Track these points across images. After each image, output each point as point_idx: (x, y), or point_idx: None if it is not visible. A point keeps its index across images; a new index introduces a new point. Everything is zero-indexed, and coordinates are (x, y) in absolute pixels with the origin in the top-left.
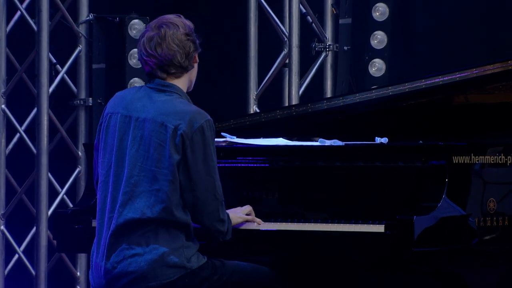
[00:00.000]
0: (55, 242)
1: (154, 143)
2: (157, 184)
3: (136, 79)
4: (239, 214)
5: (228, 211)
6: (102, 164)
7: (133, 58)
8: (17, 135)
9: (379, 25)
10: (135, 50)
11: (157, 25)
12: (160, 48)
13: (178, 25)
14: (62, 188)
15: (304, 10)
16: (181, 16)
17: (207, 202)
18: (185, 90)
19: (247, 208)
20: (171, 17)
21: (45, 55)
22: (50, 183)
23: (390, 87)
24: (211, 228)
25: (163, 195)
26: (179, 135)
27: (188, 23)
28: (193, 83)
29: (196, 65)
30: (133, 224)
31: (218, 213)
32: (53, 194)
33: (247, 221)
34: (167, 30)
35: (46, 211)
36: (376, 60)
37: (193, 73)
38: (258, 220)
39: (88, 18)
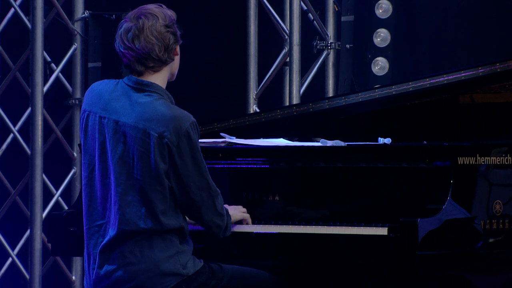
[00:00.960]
0: (49, 245)
1: (138, 151)
2: (145, 194)
3: None
4: (236, 211)
5: (229, 207)
6: (84, 166)
7: None
8: (11, 135)
9: (382, 23)
10: None
11: (135, 16)
12: (137, 41)
13: (158, 16)
14: (57, 189)
15: (305, 7)
16: (163, 6)
17: (202, 201)
18: (165, 85)
19: (241, 207)
20: (151, 7)
21: (40, 54)
22: (44, 185)
23: (393, 86)
24: (210, 223)
25: (153, 206)
26: (165, 144)
27: (170, 13)
28: (175, 74)
29: (177, 58)
30: (126, 234)
31: (215, 207)
32: (47, 196)
33: (244, 218)
34: (145, 21)
35: (41, 214)
36: (379, 58)
37: (174, 65)
38: (250, 220)
39: (83, 15)
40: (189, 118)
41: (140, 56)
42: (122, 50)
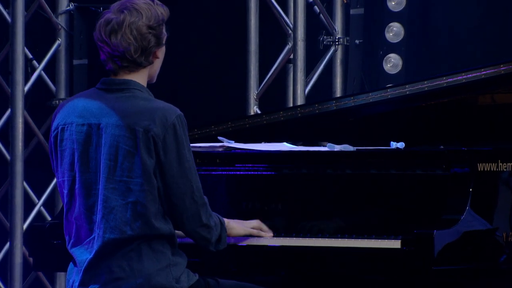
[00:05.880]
0: (31, 259)
1: (122, 150)
2: (132, 196)
3: None
4: (243, 225)
5: (233, 221)
6: (63, 184)
7: None
8: None
9: (395, 16)
10: None
11: (119, 8)
12: (114, 36)
13: (143, 13)
14: (39, 198)
15: None
16: (154, 1)
17: (184, 207)
18: (145, 85)
19: (254, 222)
20: (139, 2)
21: (20, 50)
22: (25, 193)
23: (407, 86)
24: (194, 235)
25: (141, 208)
26: (150, 137)
27: (160, 11)
28: (155, 77)
29: (158, 61)
30: (113, 245)
31: (200, 217)
32: (29, 205)
33: (251, 235)
34: (127, 16)
35: (21, 225)
36: (392, 55)
37: (153, 68)
38: (268, 234)
39: (68, 8)
40: (175, 110)
41: (114, 53)
42: (99, 43)
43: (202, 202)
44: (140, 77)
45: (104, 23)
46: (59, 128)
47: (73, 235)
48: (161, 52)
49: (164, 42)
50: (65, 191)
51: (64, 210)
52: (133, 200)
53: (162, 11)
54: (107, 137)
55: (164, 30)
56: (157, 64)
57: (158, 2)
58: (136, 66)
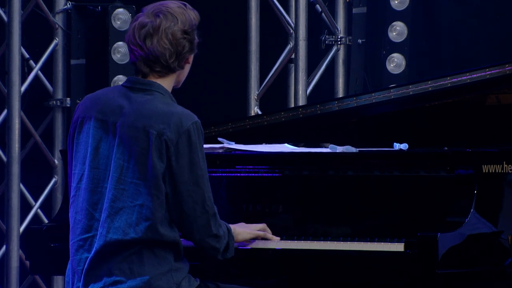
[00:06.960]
0: (28, 262)
1: (134, 151)
2: (140, 199)
3: (120, 76)
4: (249, 229)
5: (238, 225)
6: (73, 177)
7: (117, 53)
8: None
9: (398, 15)
10: (120, 43)
11: (154, 12)
12: (149, 40)
13: (178, 18)
14: (36, 201)
15: None
16: (187, 5)
17: (195, 216)
18: (170, 90)
19: (260, 225)
20: (174, 6)
21: (17, 50)
22: (22, 196)
23: (410, 86)
24: (203, 244)
25: (147, 212)
26: (163, 141)
27: (192, 16)
28: (181, 82)
29: (188, 66)
30: (115, 246)
31: (210, 227)
32: (25, 208)
33: (257, 237)
34: (163, 21)
35: (18, 228)
36: (395, 55)
37: (182, 74)
38: (275, 237)
39: (65, 7)
40: (193, 117)
41: (148, 57)
42: (131, 45)
43: (213, 212)
44: (167, 82)
45: (139, 27)
46: (79, 121)
47: (70, 227)
48: (191, 58)
49: (196, 48)
50: (73, 184)
51: (70, 203)
52: (141, 203)
53: (194, 15)
54: (122, 137)
55: (196, 36)
56: (187, 69)
57: (190, 6)
58: (168, 71)
